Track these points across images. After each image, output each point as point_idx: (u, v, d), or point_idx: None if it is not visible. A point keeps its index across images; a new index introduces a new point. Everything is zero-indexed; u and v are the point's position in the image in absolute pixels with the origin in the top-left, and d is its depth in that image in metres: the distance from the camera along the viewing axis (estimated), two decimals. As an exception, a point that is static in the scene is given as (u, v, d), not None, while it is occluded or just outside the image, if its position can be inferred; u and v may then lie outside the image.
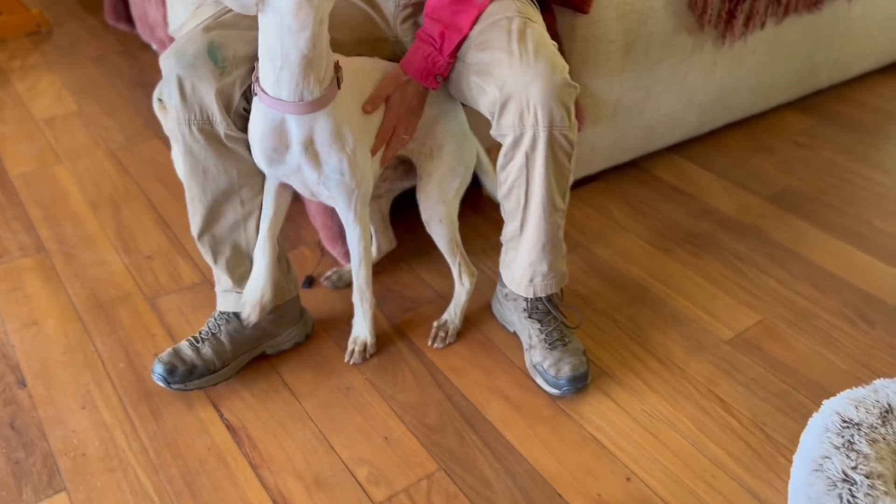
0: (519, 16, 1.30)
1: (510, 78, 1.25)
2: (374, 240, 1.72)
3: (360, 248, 1.42)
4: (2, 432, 1.35)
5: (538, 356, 1.46)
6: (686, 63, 1.99)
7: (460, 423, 1.38)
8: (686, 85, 2.05)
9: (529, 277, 1.46)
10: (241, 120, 1.29)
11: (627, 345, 1.56)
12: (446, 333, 1.57)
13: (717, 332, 1.59)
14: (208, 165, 1.31)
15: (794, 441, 1.33)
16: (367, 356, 1.52)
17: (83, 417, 1.38)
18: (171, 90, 1.24)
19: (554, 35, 1.70)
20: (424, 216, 1.48)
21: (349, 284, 1.69)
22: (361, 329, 1.52)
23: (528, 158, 1.31)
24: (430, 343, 1.55)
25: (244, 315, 1.39)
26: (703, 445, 1.34)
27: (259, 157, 1.26)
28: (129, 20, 2.69)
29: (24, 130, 2.28)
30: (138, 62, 2.69)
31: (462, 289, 1.57)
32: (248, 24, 1.25)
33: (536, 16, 1.38)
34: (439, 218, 1.47)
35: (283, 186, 1.37)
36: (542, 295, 1.47)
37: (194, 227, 1.38)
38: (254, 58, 1.24)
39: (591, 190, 2.05)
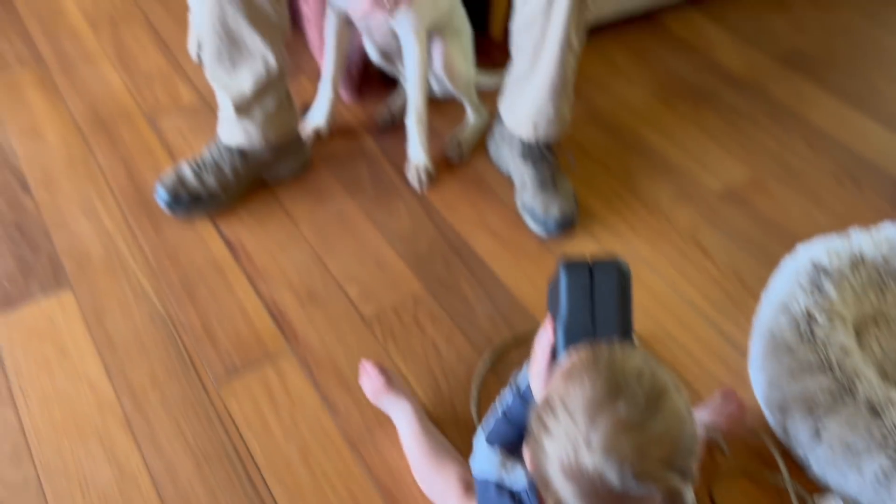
0: None
1: None
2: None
3: (418, 68, 1.46)
4: (8, 232, 1.41)
5: (529, 197, 1.50)
6: None
7: (448, 252, 1.44)
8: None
9: (534, 120, 1.46)
10: None
11: (617, 190, 1.59)
12: (460, 152, 1.63)
13: (706, 184, 1.62)
14: None
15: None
16: (431, 179, 1.57)
17: (86, 224, 1.43)
18: None
19: None
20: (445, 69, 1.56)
21: (402, 119, 1.67)
22: (419, 154, 1.56)
23: None
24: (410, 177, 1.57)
25: (304, 136, 1.56)
26: (679, 286, 1.41)
27: None
28: None
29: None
30: None
31: (478, 119, 1.66)
32: None
33: None
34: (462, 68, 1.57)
35: (345, 25, 1.49)
36: (545, 139, 1.49)
37: (207, 53, 1.36)
38: None
39: (600, 37, 2.00)
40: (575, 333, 0.82)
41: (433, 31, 1.50)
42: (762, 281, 1.41)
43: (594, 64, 1.92)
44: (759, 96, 1.86)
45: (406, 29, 1.41)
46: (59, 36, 1.87)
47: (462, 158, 1.63)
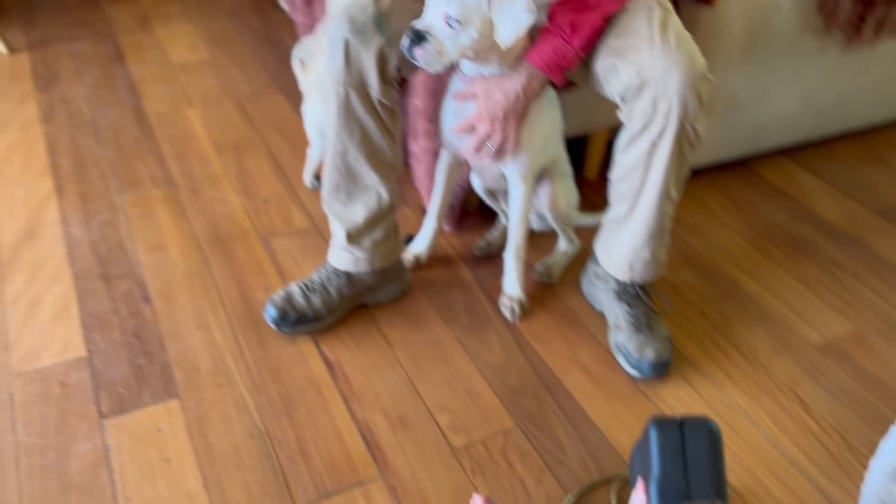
0: (659, 6, 1.32)
1: (649, 64, 1.28)
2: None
3: (522, 208, 1.54)
4: (127, 340, 1.51)
5: (623, 337, 1.50)
6: (808, 65, 1.96)
7: (540, 387, 1.45)
8: (805, 87, 2.01)
9: (630, 262, 1.49)
10: (393, 91, 1.39)
11: (713, 336, 1.58)
12: (550, 276, 1.69)
13: (806, 336, 1.59)
14: (354, 127, 1.39)
15: (874, 450, 1.33)
16: (525, 312, 1.62)
17: (198, 336, 1.52)
18: (336, 52, 1.33)
19: (675, 25, 1.71)
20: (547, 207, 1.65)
21: (498, 251, 1.75)
22: (514, 287, 1.61)
23: (654, 146, 1.33)
24: (506, 312, 1.61)
25: (406, 263, 1.66)
26: (779, 442, 1.36)
27: (446, 132, 1.50)
28: (264, -21, 2.84)
29: (162, 73, 2.46)
30: (267, 20, 2.84)
31: (570, 247, 1.73)
32: (413, 13, 1.33)
33: (673, 9, 1.41)
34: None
35: (456, 163, 1.61)
36: (640, 281, 1.51)
37: (327, 186, 1.47)
38: None
39: (694, 183, 2.05)
40: (669, 495, 0.81)
41: (540, 173, 1.58)
42: (868, 441, 1.35)
43: (689, 208, 1.95)
44: (859, 249, 1.84)
45: (514, 173, 1.50)
46: (189, 159, 2.06)
47: (551, 281, 1.69)
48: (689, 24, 1.76)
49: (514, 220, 1.56)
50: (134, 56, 2.55)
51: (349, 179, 1.46)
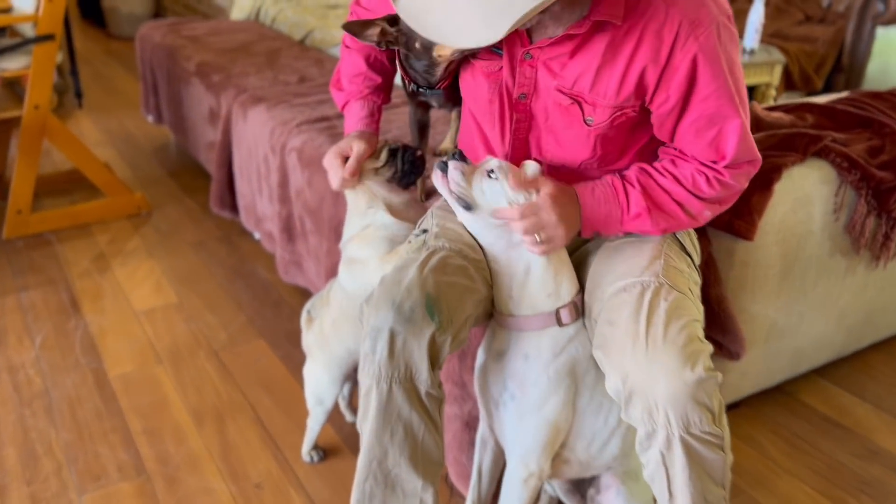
0: (656, 281, 1.16)
1: (633, 370, 1.08)
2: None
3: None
4: None
5: None
6: (839, 286, 1.85)
7: None
8: (837, 307, 1.90)
9: None
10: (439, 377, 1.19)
11: None
12: None
13: None
14: (397, 427, 1.16)
15: None
16: None
17: None
18: (380, 344, 1.12)
19: (708, 259, 1.58)
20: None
21: None
22: None
23: (665, 457, 1.11)
24: None
25: None
26: None
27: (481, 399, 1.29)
28: (233, 208, 2.68)
29: (124, 324, 2.19)
30: (238, 250, 2.64)
31: None
32: (460, 271, 1.18)
33: (682, 262, 1.26)
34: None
35: (500, 454, 1.34)
36: None
37: (357, 497, 1.21)
38: (468, 318, 1.18)
39: (738, 417, 1.85)
40: None
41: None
42: None
43: (743, 452, 1.73)
44: (943, 491, 1.64)
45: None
46: (162, 435, 1.75)
47: None
48: (724, 257, 1.64)
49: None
50: (91, 304, 2.29)
51: (386, 487, 1.19)
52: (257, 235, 2.53)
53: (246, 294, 2.36)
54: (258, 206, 2.45)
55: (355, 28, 1.28)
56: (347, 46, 1.54)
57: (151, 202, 2.98)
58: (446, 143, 2.04)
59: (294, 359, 2.01)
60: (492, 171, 1.18)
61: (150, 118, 3.47)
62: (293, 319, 2.20)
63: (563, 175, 1.28)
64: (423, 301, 1.12)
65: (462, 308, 1.19)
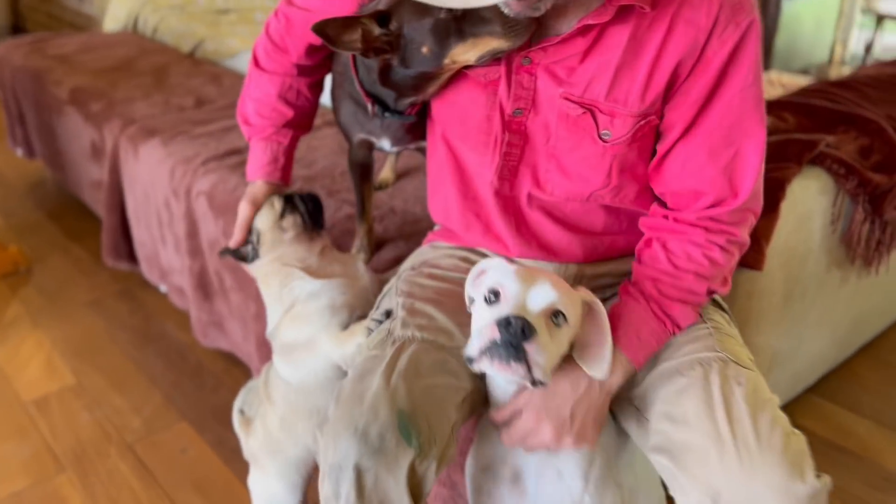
0: (717, 358, 0.95)
1: (726, 487, 0.86)
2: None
3: None
4: None
5: None
6: (834, 299, 1.70)
7: None
8: (832, 321, 1.75)
9: None
10: None
11: None
12: None
13: None
14: None
15: None
16: None
17: None
18: (345, 486, 0.86)
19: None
20: None
21: None
22: None
23: None
24: None
25: None
26: None
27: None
28: (131, 257, 2.30)
29: (10, 422, 1.80)
30: (142, 307, 2.26)
31: None
32: (438, 367, 0.93)
33: (723, 320, 1.07)
34: None
35: None
36: None
37: None
38: (455, 427, 0.93)
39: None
40: None
41: None
42: None
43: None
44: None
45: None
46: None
47: None
48: (730, 291, 1.44)
49: None
50: (-36, 399, 1.88)
51: None
52: (163, 289, 2.17)
53: (158, 363, 2.00)
54: (162, 257, 2.09)
55: (329, 31, 0.94)
56: (259, 66, 1.24)
57: (30, 255, 2.54)
58: (385, 174, 1.77)
59: (227, 444, 1.68)
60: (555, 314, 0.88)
61: (20, 151, 2.99)
62: (219, 392, 1.87)
63: (564, 213, 1.05)
64: (394, 422, 0.86)
65: (445, 417, 0.93)
